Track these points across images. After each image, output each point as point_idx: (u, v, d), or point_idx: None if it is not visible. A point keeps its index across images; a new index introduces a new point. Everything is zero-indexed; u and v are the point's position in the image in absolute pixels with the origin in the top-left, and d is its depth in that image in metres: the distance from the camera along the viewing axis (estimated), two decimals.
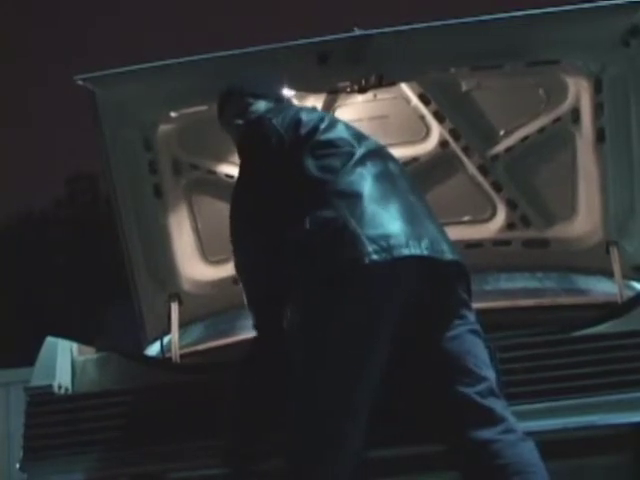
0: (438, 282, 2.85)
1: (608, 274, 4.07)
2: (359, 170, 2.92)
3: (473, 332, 2.87)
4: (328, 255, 2.78)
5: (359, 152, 2.98)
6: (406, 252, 2.77)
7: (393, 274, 2.77)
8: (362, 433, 2.76)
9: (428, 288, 2.84)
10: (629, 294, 3.81)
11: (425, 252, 2.80)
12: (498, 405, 2.78)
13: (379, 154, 3.05)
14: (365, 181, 2.89)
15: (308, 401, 2.78)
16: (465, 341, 2.84)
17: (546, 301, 3.07)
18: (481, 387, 2.79)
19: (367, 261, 2.73)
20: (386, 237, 2.78)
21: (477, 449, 2.73)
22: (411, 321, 2.82)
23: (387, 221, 2.82)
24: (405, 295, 2.81)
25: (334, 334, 2.76)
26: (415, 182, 3.10)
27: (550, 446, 2.87)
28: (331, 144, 2.98)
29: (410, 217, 2.86)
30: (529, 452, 2.72)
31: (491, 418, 2.75)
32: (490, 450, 2.71)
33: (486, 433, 2.73)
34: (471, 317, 2.90)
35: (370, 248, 2.75)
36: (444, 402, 2.82)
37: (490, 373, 2.83)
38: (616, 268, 4.01)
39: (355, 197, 2.85)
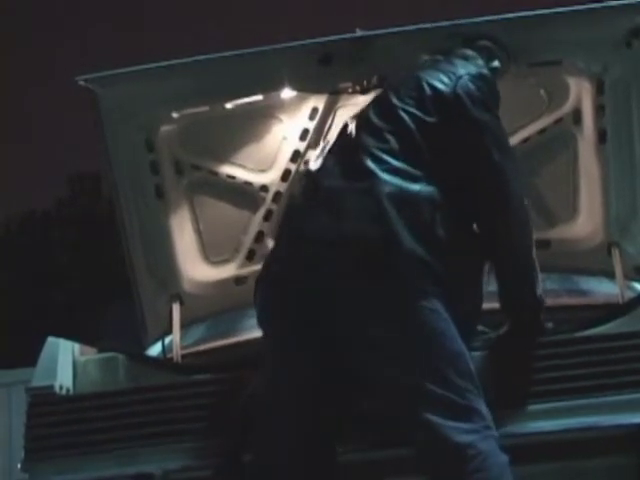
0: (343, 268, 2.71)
1: (610, 275, 4.07)
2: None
3: (417, 329, 2.66)
4: None
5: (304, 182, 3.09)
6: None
7: (269, 275, 2.90)
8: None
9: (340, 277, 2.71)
10: (630, 295, 3.81)
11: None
12: (442, 426, 2.59)
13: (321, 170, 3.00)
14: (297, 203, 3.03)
15: None
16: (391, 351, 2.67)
17: (547, 302, 3.07)
18: (427, 408, 2.61)
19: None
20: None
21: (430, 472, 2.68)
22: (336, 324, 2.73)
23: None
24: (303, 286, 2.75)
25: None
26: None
27: (552, 447, 2.87)
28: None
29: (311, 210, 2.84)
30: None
31: (430, 443, 2.62)
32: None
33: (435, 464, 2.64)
34: (409, 316, 2.67)
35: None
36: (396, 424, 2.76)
37: (436, 385, 2.62)
38: (618, 269, 4.01)
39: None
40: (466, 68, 2.96)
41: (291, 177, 4.15)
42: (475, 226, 2.88)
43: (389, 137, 2.85)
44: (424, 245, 2.69)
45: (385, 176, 2.76)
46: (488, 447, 2.59)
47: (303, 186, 3.00)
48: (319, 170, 2.97)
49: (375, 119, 2.92)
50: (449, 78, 2.90)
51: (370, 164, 2.79)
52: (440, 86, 2.88)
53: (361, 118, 3.00)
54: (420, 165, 2.80)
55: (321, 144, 4.04)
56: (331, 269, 2.70)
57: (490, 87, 2.97)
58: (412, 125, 2.85)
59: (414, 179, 2.77)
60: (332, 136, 3.99)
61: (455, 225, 2.77)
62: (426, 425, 2.60)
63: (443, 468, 2.61)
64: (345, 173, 2.84)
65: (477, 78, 2.93)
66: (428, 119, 2.85)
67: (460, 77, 2.90)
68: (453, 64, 2.99)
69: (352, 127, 2.98)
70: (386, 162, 2.80)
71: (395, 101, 2.91)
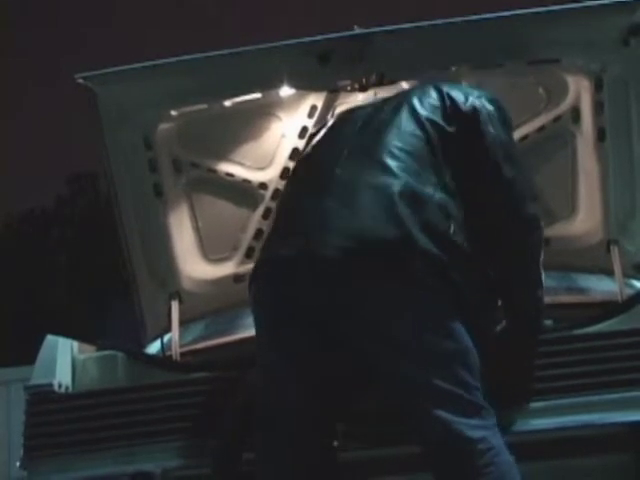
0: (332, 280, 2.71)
1: (609, 273, 4.07)
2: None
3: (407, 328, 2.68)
4: None
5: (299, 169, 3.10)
6: (266, 255, 2.90)
7: (258, 279, 2.88)
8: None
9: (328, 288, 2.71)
10: (629, 293, 3.81)
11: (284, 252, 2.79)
12: (454, 422, 2.59)
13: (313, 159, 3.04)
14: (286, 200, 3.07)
15: None
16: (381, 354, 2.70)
17: (546, 299, 3.07)
18: (439, 405, 2.62)
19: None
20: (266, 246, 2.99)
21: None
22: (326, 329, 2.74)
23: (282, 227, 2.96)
24: (290, 298, 2.76)
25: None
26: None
27: (550, 445, 2.87)
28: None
29: (299, 214, 2.85)
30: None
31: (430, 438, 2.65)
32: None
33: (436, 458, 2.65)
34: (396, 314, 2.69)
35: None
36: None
37: (447, 383, 2.63)
38: (617, 267, 4.01)
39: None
40: (482, 91, 3.07)
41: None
42: (483, 235, 2.90)
43: (412, 140, 2.88)
44: (438, 245, 2.71)
45: (402, 175, 2.78)
46: (500, 443, 2.62)
47: (307, 170, 2.98)
48: (327, 155, 2.97)
49: (399, 121, 2.94)
50: (466, 94, 3.00)
51: (390, 162, 2.82)
52: (460, 99, 2.97)
53: (381, 116, 3.01)
54: (437, 172, 2.84)
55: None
56: (345, 267, 2.70)
57: (505, 111, 3.04)
58: (434, 133, 2.91)
59: (429, 183, 2.80)
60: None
61: (464, 232, 2.80)
62: (438, 421, 2.61)
63: (455, 462, 2.60)
64: (362, 167, 2.84)
65: (493, 101, 3.02)
66: (448, 129, 2.92)
67: (478, 96, 3.00)
68: (470, 86, 3.14)
69: (371, 122, 2.99)
70: (405, 162, 2.82)
71: (419, 107, 2.96)
